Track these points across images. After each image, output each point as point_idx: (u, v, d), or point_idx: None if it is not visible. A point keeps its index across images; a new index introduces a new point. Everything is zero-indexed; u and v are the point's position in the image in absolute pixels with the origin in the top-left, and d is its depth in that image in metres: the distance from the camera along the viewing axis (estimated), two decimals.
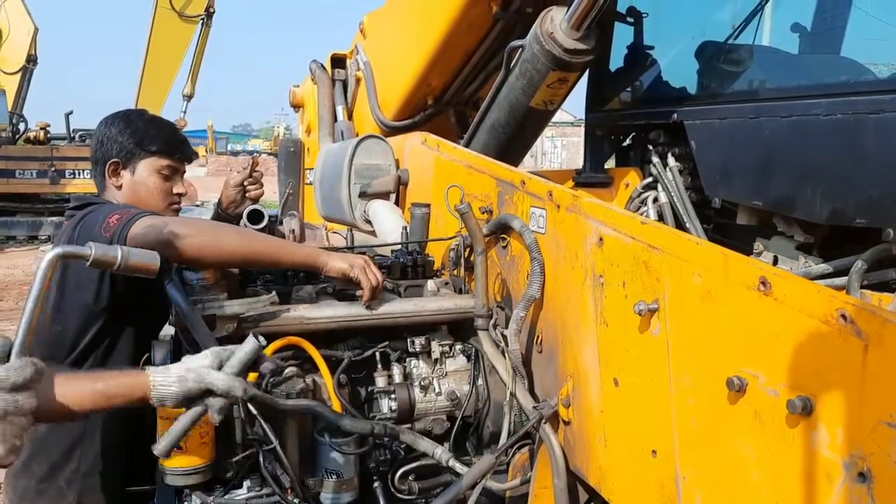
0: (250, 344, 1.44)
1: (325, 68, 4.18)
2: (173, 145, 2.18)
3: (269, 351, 1.70)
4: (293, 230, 2.71)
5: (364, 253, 2.15)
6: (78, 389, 1.35)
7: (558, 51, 2.25)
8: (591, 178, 2.76)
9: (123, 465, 2.01)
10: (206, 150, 30.48)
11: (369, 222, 2.83)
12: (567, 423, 1.65)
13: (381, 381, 1.85)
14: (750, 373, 1.11)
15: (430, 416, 1.87)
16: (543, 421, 1.67)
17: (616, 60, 2.75)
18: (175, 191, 2.19)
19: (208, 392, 1.40)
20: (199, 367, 1.41)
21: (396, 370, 1.89)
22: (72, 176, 13.41)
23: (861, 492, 0.93)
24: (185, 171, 2.27)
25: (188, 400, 1.40)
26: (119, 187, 2.11)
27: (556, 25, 2.24)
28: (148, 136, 2.12)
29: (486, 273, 1.89)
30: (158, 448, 1.43)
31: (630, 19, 2.68)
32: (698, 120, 2.31)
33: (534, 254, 1.71)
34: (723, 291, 1.17)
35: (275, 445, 1.66)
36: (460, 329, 1.99)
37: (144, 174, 2.12)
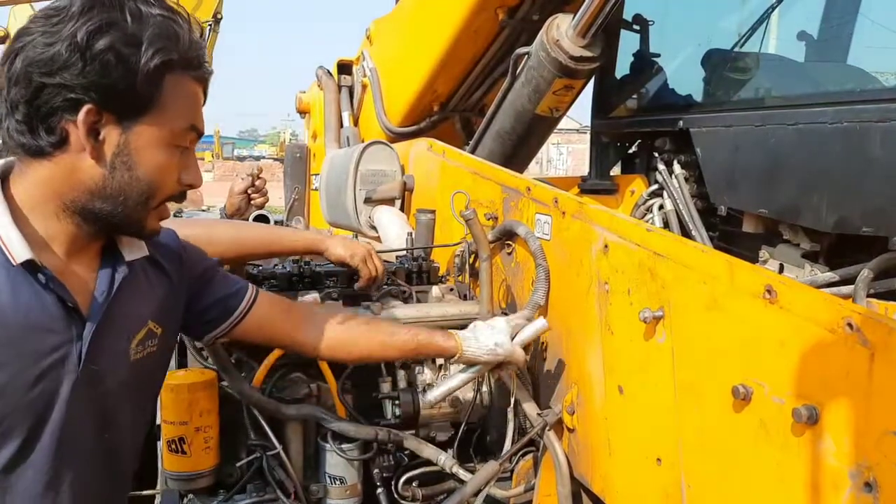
0: (541, 323, 1.61)
1: (331, 74, 4.19)
2: None
3: (272, 356, 1.70)
4: None
5: None
6: (403, 336, 1.56)
7: (564, 58, 2.25)
8: (596, 184, 2.76)
9: None
10: (213, 156, 30.60)
11: (374, 228, 2.83)
12: (571, 431, 1.65)
13: (385, 387, 1.85)
14: (755, 381, 1.11)
15: (434, 422, 1.86)
16: (548, 428, 1.67)
17: (622, 68, 2.76)
18: None
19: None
20: (505, 343, 1.57)
21: (400, 376, 1.89)
22: None
23: (867, 502, 0.93)
24: None
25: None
26: None
27: (562, 33, 2.25)
28: None
29: (491, 279, 1.89)
30: (432, 395, 1.62)
31: (636, 27, 2.68)
32: (704, 127, 2.31)
33: (539, 260, 1.71)
34: (728, 299, 1.17)
35: (278, 451, 1.66)
36: None
37: None
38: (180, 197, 1.18)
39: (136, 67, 1.03)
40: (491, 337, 1.57)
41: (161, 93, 1.07)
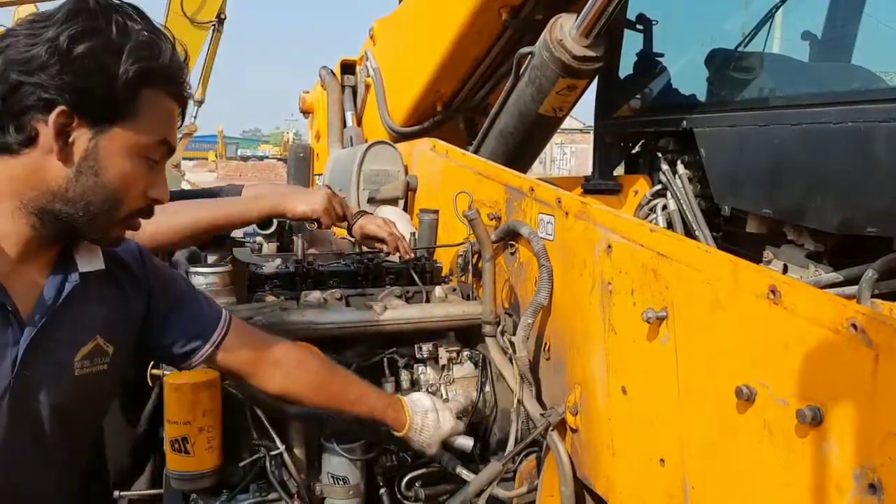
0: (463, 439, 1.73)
1: (334, 74, 4.20)
2: None
3: None
4: (302, 235, 2.71)
5: (371, 259, 2.15)
6: (359, 391, 1.59)
7: (567, 58, 2.25)
8: (599, 185, 2.76)
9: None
10: (216, 155, 30.69)
11: None
12: (575, 431, 1.65)
13: (388, 387, 1.85)
14: (759, 382, 1.10)
15: None
16: (551, 428, 1.67)
17: (625, 68, 2.76)
18: None
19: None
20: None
21: (404, 376, 1.89)
22: None
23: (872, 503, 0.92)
24: None
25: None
26: None
27: (565, 33, 2.25)
28: None
29: (494, 280, 1.89)
30: None
31: (639, 26, 2.68)
32: (708, 128, 2.31)
33: (542, 261, 1.71)
34: (732, 300, 1.17)
35: (281, 451, 1.66)
36: (468, 336, 1.98)
37: None
38: (148, 212, 1.17)
39: (115, 75, 1.03)
40: (435, 427, 1.65)
41: (136, 103, 1.07)
